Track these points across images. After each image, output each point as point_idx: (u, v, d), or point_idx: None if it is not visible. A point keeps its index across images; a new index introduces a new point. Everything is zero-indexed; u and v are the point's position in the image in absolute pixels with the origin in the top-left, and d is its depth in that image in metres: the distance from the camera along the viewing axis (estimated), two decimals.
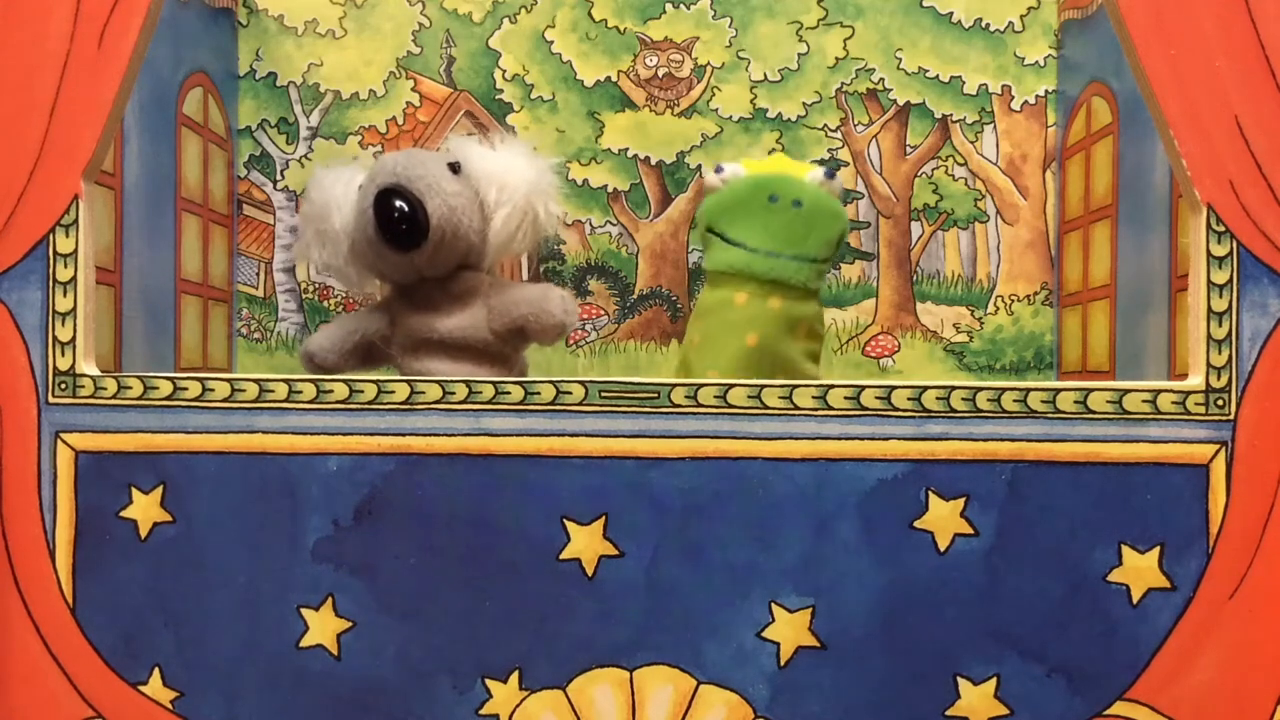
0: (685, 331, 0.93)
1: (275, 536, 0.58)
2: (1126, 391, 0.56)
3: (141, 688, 0.59)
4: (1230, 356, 0.56)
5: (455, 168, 0.73)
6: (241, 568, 0.58)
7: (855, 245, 0.93)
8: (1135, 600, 0.56)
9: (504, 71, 0.93)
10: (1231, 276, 0.56)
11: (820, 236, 0.73)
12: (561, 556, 0.57)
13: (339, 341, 0.75)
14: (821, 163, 0.88)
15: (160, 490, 0.58)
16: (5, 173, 0.58)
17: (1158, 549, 0.56)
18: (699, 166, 0.93)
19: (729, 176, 0.75)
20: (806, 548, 0.56)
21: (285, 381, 0.58)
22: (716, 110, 0.93)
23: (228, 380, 0.58)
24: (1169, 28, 0.56)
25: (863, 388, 0.57)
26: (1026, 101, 0.93)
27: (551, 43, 0.93)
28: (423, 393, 0.57)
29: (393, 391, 0.58)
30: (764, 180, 0.74)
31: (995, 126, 0.93)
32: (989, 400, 0.56)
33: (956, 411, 0.56)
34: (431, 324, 0.73)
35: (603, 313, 0.93)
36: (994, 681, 0.56)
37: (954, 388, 0.56)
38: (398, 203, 0.69)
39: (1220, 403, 0.56)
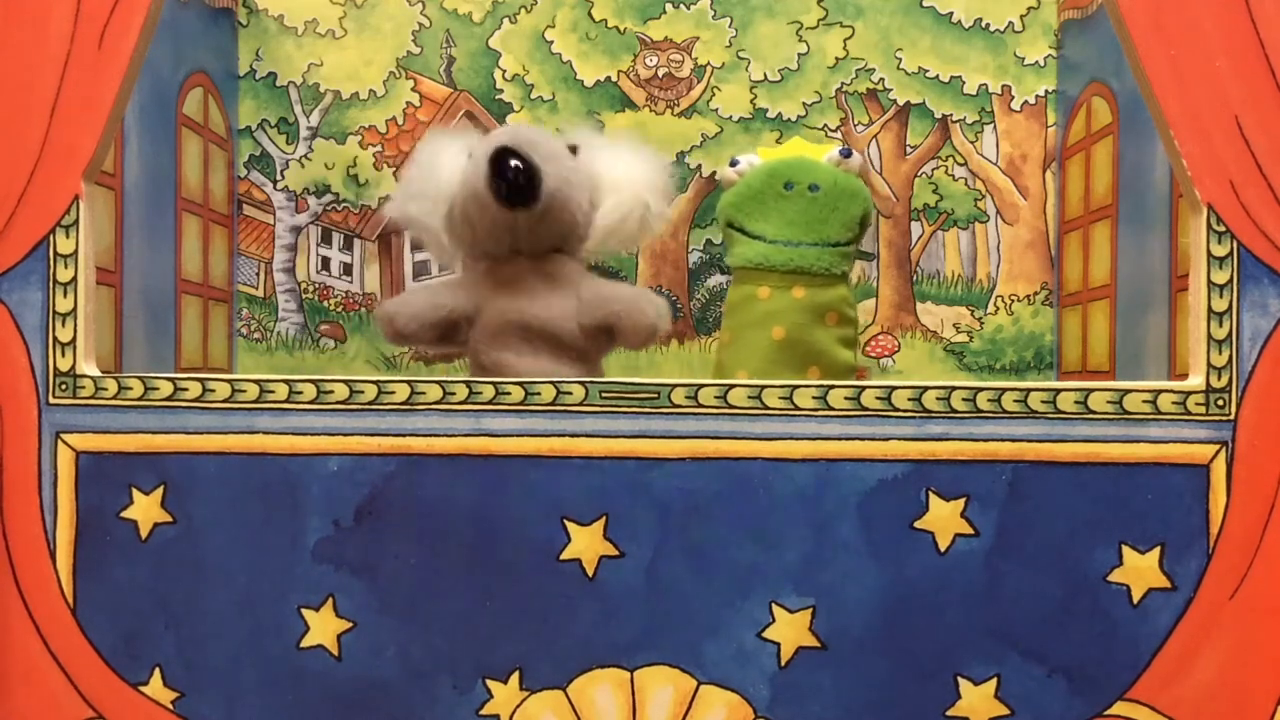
0: (691, 331, 0.93)
1: (276, 537, 0.58)
2: (1127, 391, 0.56)
3: (142, 688, 0.59)
4: (1231, 356, 0.56)
5: (573, 150, 0.73)
6: (242, 568, 0.58)
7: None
8: (1136, 600, 0.56)
9: (504, 71, 0.93)
10: (1232, 276, 0.56)
11: (840, 219, 0.72)
12: (562, 557, 0.57)
13: (425, 312, 0.72)
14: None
15: (161, 491, 0.58)
16: (5, 173, 0.58)
17: (1158, 549, 0.56)
18: (699, 166, 0.93)
19: (744, 168, 0.74)
20: (807, 548, 0.56)
21: (285, 382, 0.58)
22: (716, 110, 0.93)
23: (228, 381, 0.58)
24: (1169, 28, 0.56)
25: (863, 388, 0.57)
26: (1026, 101, 0.93)
27: (551, 43, 0.93)
28: (423, 393, 0.57)
29: (393, 392, 0.58)
30: (778, 168, 0.73)
31: (995, 126, 0.93)
32: (989, 400, 0.56)
33: (957, 412, 0.56)
34: (520, 306, 0.71)
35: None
36: (994, 682, 0.56)
37: (954, 388, 0.56)
38: (514, 161, 0.68)
39: (1220, 403, 0.56)
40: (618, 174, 0.73)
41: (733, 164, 0.75)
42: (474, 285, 0.73)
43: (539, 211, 0.69)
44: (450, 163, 0.73)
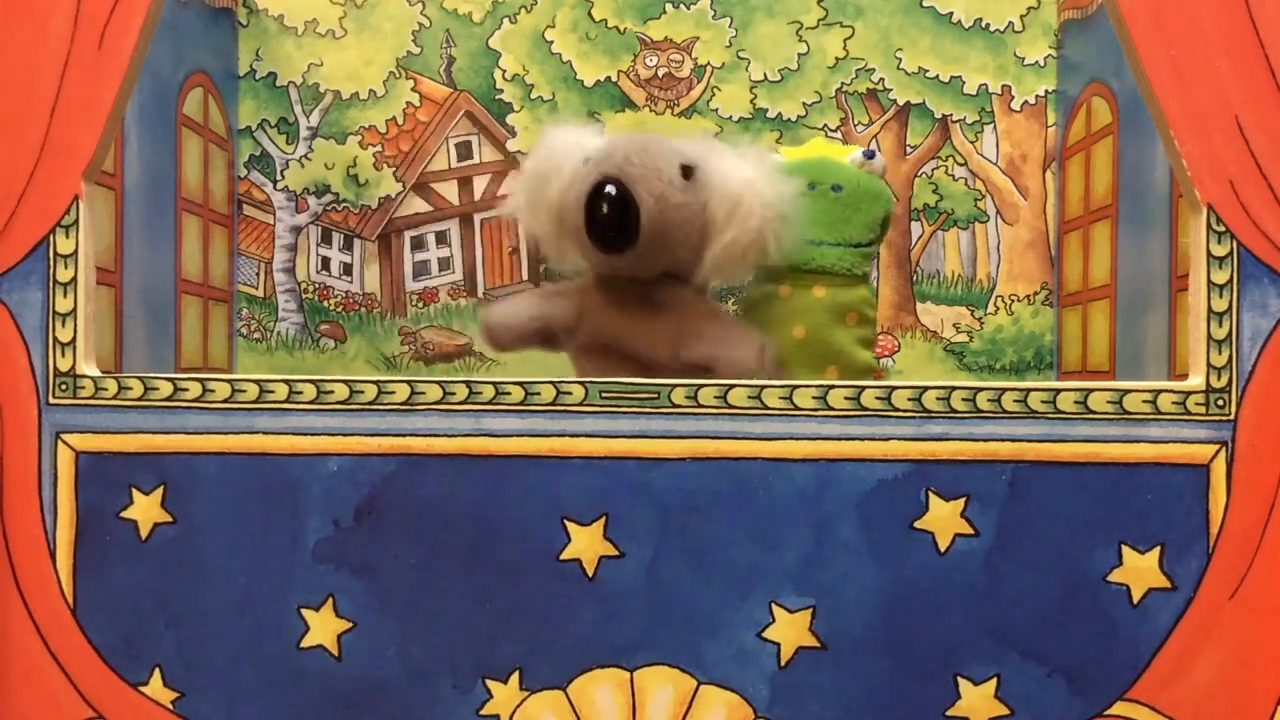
0: None
1: (276, 537, 0.58)
2: (1127, 392, 0.56)
3: (142, 688, 0.59)
4: (1230, 356, 0.56)
5: (688, 171, 0.68)
6: (242, 568, 0.58)
7: None
8: (1135, 600, 0.56)
9: (504, 71, 0.93)
10: (1232, 276, 0.56)
11: (863, 219, 0.72)
12: (562, 557, 0.57)
13: (523, 323, 0.71)
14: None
15: (161, 491, 0.58)
16: (5, 173, 0.58)
17: (1158, 549, 0.56)
18: None
19: None
20: (807, 548, 0.56)
21: (285, 382, 0.58)
22: (716, 110, 0.93)
23: (228, 381, 0.58)
24: (1169, 28, 0.56)
25: (863, 388, 0.57)
26: (1026, 101, 0.93)
27: (551, 43, 0.93)
28: (423, 393, 0.57)
29: (393, 392, 0.57)
30: (800, 167, 0.72)
31: (995, 126, 0.93)
32: (989, 400, 0.56)
33: (957, 412, 0.56)
34: (620, 333, 0.69)
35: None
36: (994, 682, 0.56)
37: (954, 388, 0.56)
38: (611, 196, 0.64)
39: (1220, 403, 0.56)
40: (737, 202, 0.67)
41: None
42: (580, 295, 0.71)
43: (634, 255, 0.66)
44: (565, 166, 0.69)
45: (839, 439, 0.56)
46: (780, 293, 0.72)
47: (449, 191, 0.95)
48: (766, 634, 0.57)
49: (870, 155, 0.73)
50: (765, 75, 0.93)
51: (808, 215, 0.71)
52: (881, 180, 0.73)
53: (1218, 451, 0.56)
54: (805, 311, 0.71)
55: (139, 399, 0.58)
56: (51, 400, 0.58)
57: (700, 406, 0.57)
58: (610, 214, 0.65)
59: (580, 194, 0.66)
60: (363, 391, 0.58)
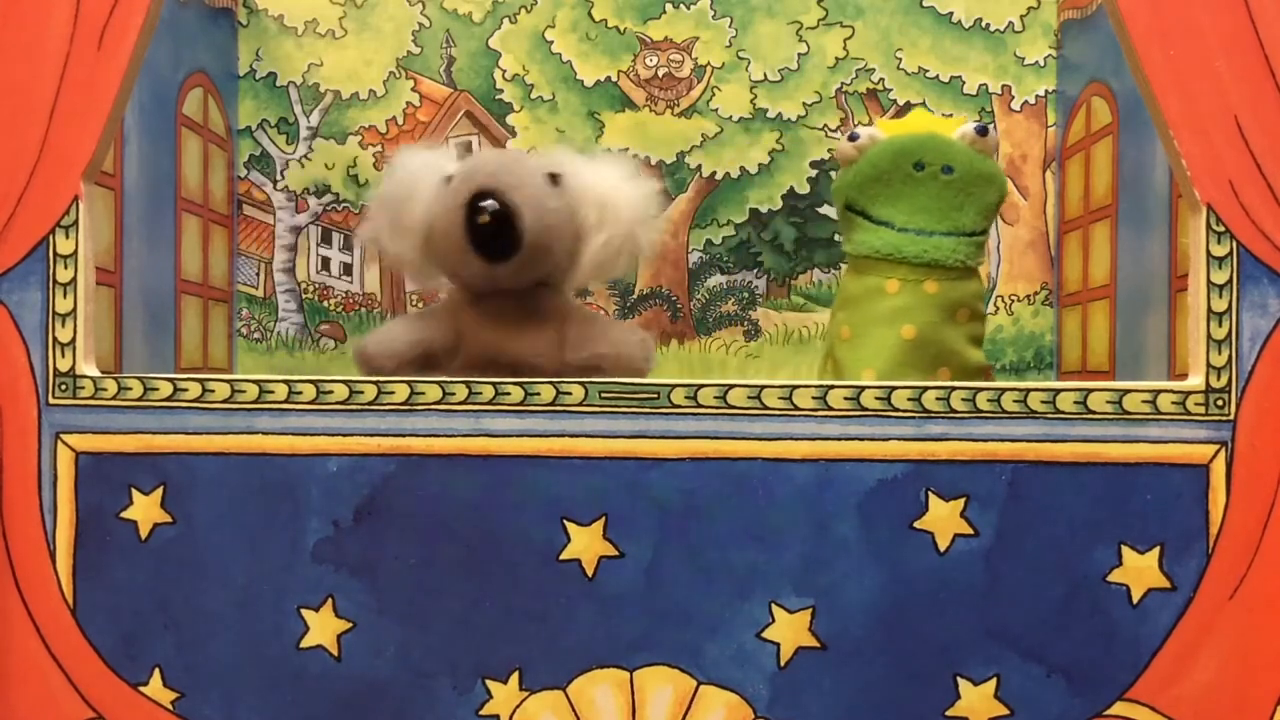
0: (691, 331, 0.93)
1: (275, 537, 0.58)
2: (1126, 392, 0.56)
3: (142, 688, 0.59)
4: (1230, 357, 0.56)
5: (555, 179, 0.68)
6: (242, 568, 0.58)
7: None
8: (1135, 600, 0.56)
9: (504, 71, 0.93)
10: (1231, 276, 0.56)
11: (977, 205, 0.66)
12: (561, 557, 0.57)
13: (402, 350, 0.70)
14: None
15: (160, 491, 0.58)
16: (5, 173, 0.58)
17: (1157, 549, 0.56)
18: (699, 166, 0.93)
19: (865, 143, 0.68)
20: (806, 548, 0.56)
21: (285, 382, 0.58)
22: (716, 110, 0.93)
23: (228, 381, 0.58)
24: (1169, 28, 0.56)
25: (863, 388, 0.57)
26: (1026, 101, 0.93)
27: (551, 43, 0.93)
28: (422, 394, 0.57)
29: (392, 392, 0.58)
30: (907, 145, 0.67)
31: (995, 126, 0.93)
32: (989, 401, 0.56)
33: (956, 412, 0.56)
34: (503, 344, 0.68)
35: (603, 313, 0.93)
36: (994, 682, 0.56)
37: (954, 388, 0.56)
38: (492, 209, 0.65)
39: (1220, 403, 0.56)
40: (605, 204, 0.69)
41: (852, 138, 0.68)
42: (455, 315, 0.71)
43: (518, 262, 0.66)
44: (425, 187, 0.69)
45: (838, 439, 0.56)
46: (887, 288, 0.66)
47: None
48: (766, 634, 0.57)
49: (983, 131, 0.66)
50: (765, 75, 0.93)
51: (916, 201, 0.66)
52: (994, 161, 0.67)
53: (1217, 451, 0.56)
54: (916, 309, 0.66)
55: (139, 399, 0.58)
56: (51, 400, 0.58)
57: (699, 407, 0.57)
58: (491, 223, 0.65)
59: (456, 208, 0.66)
60: (362, 392, 0.58)
